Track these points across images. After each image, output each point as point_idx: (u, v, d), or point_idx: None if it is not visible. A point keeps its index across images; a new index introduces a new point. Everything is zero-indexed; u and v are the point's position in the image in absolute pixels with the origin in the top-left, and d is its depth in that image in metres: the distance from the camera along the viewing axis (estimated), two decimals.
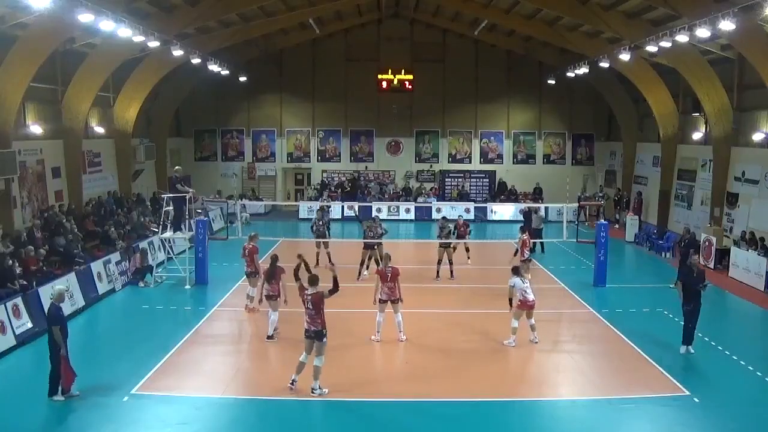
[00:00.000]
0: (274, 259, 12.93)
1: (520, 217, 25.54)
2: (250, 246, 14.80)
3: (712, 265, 19.11)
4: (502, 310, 14.31)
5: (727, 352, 12.02)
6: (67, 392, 9.73)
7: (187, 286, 16.76)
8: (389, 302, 12.53)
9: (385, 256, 13.10)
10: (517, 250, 17.18)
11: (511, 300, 12.56)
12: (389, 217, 28.36)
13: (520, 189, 31.47)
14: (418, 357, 11.99)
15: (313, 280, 10.19)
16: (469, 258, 19.22)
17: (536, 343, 12.50)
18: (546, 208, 29.20)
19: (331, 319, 13.81)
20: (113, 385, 10.20)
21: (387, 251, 14.00)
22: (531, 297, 12.28)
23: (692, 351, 11.94)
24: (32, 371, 11.17)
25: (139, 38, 17.46)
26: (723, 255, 19.35)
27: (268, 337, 12.59)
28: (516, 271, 12.64)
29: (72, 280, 14.52)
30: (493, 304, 15.07)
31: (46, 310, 10.48)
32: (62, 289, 10.40)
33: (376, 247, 17.35)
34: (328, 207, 21.20)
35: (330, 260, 18.18)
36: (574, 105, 32.47)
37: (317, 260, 17.98)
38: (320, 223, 18.72)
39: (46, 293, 13.27)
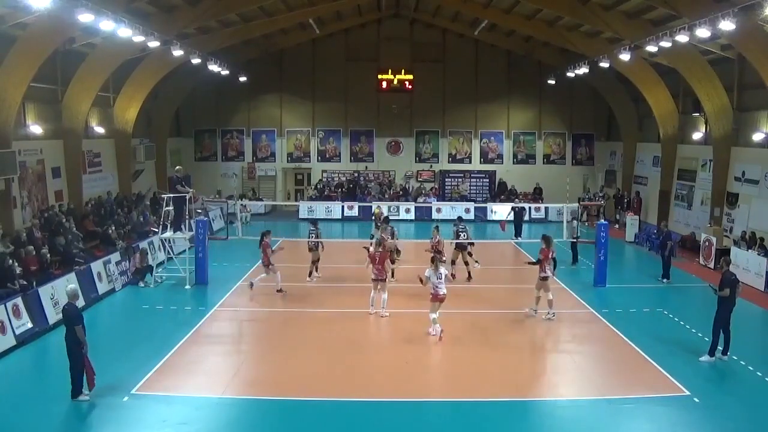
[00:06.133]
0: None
1: (524, 218, 25.69)
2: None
3: (711, 265, 19.12)
4: (502, 310, 14.45)
5: (727, 352, 11.99)
6: (92, 388, 9.74)
7: (187, 286, 16.75)
8: (378, 281, 13.98)
9: (375, 242, 14.65)
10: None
11: (421, 280, 12.95)
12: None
13: (520, 189, 31.46)
14: (418, 357, 11.99)
15: (379, 243, 14.38)
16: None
17: (433, 335, 12.56)
18: (546, 208, 29.31)
19: (330, 319, 13.94)
20: (113, 385, 10.19)
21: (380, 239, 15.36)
22: (441, 291, 12.63)
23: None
24: (32, 371, 11.20)
25: (139, 38, 17.48)
26: (723, 255, 19.32)
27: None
28: (433, 260, 12.99)
29: (72, 280, 14.49)
30: (493, 305, 15.10)
31: (61, 311, 10.47)
32: (76, 288, 10.58)
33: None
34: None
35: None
36: (574, 105, 32.48)
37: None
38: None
39: (46, 293, 13.30)
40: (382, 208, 24.54)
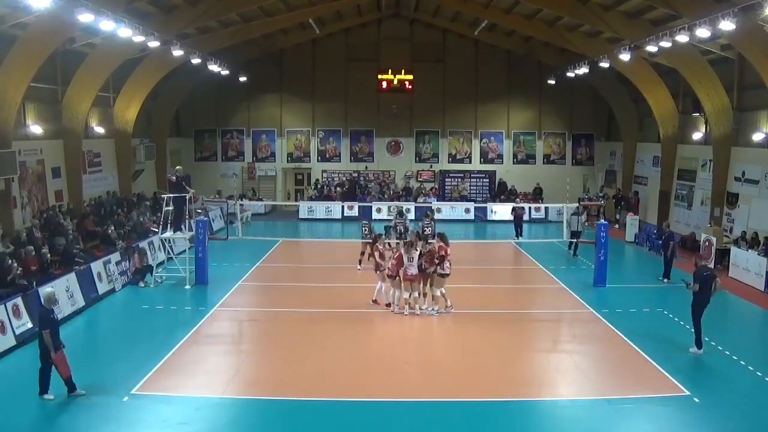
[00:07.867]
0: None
1: (525, 218, 25.67)
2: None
3: (711, 266, 19.09)
4: (502, 310, 14.43)
5: (727, 352, 12.00)
6: (66, 377, 9.78)
7: (187, 286, 16.74)
8: (392, 278, 14.23)
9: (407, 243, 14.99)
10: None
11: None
12: (389, 217, 28.33)
13: (520, 189, 31.47)
14: (418, 358, 12.00)
15: (412, 244, 14.30)
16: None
17: (417, 313, 13.93)
18: (546, 209, 29.31)
19: (330, 319, 13.94)
20: (113, 385, 10.19)
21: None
22: (410, 272, 13.85)
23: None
24: (32, 371, 11.12)
25: (139, 38, 17.48)
26: (723, 255, 19.35)
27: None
28: (410, 244, 14.20)
29: (72, 280, 14.51)
30: (492, 305, 15.10)
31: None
32: (51, 292, 10.43)
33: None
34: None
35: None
36: (574, 105, 32.47)
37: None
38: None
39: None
40: (383, 209, 24.53)
